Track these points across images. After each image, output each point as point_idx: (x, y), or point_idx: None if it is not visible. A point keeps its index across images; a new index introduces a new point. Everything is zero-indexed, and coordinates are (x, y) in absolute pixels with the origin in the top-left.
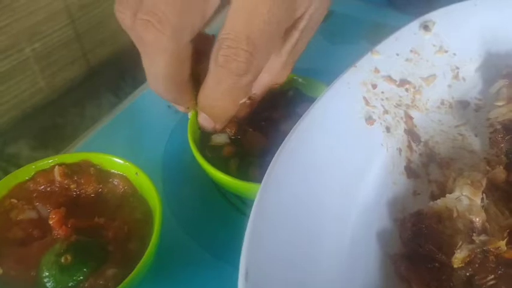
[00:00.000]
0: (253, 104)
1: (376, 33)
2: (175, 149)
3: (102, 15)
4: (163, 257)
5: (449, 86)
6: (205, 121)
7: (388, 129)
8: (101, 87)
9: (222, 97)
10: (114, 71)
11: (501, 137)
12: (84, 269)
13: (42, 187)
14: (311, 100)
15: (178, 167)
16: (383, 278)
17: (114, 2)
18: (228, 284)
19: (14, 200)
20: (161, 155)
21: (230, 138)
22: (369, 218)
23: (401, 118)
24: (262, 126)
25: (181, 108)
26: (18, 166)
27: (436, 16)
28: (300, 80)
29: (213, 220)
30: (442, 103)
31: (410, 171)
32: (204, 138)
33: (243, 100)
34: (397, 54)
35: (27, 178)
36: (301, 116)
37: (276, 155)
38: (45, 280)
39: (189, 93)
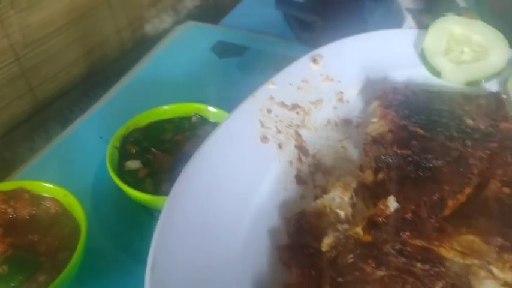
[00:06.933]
0: None
1: (284, 65)
2: (105, 174)
3: (48, 51)
4: (90, 264)
5: (335, 107)
6: None
7: (280, 146)
8: (50, 120)
9: None
10: (63, 105)
11: (369, 147)
12: (20, 277)
13: None
14: (212, 125)
15: (106, 189)
16: (271, 265)
17: (62, 37)
18: None
19: None
20: (92, 180)
21: (142, 163)
22: (261, 218)
23: (292, 136)
24: (167, 147)
25: None
26: None
27: (324, 51)
28: (202, 107)
29: (136, 231)
30: (329, 122)
31: (299, 179)
32: (121, 165)
33: None
34: (290, 84)
35: None
36: (202, 137)
37: (183, 170)
38: None
39: None
